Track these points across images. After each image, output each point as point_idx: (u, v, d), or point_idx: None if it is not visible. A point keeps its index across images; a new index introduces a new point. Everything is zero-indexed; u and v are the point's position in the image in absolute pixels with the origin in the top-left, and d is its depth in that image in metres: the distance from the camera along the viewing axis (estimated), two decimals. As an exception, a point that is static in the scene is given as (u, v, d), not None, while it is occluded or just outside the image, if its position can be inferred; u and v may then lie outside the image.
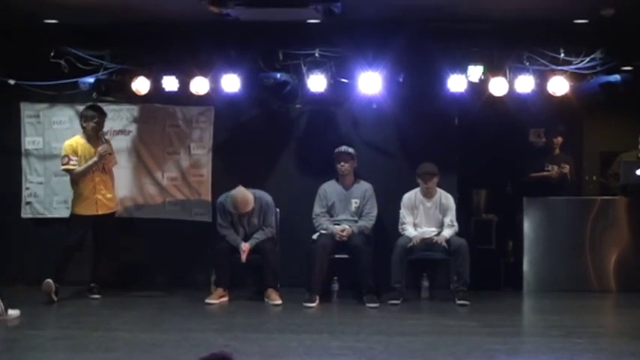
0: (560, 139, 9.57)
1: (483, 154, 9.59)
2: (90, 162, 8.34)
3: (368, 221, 8.60)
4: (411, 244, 8.36)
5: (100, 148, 8.35)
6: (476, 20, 8.01)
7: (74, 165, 8.34)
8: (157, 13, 7.86)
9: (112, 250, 8.80)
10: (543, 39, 8.35)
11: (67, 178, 8.58)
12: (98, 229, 8.54)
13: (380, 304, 8.16)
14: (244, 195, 8.29)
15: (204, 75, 8.55)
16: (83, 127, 8.49)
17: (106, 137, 8.75)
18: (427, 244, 8.53)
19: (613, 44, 8.27)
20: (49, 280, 8.07)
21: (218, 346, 5.92)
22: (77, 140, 8.45)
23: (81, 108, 8.97)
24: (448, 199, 8.65)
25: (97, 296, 8.48)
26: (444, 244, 8.36)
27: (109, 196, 8.57)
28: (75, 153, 8.35)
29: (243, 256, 8.27)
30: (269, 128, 9.29)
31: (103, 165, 8.46)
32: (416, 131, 9.01)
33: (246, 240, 8.38)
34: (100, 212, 8.47)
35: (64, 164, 8.38)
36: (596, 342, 6.56)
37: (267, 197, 8.53)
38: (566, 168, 9.39)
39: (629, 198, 9.16)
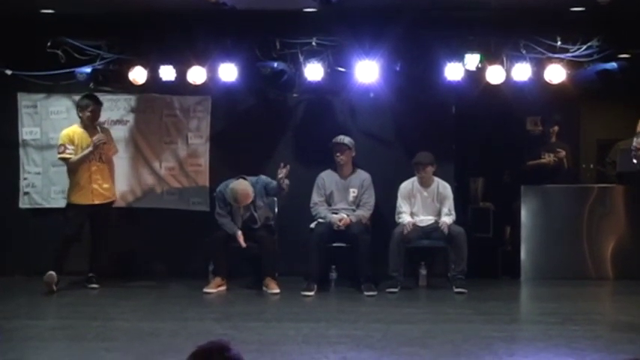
0: (556, 128, 9.56)
1: (481, 143, 9.60)
2: (85, 151, 8.33)
3: (366, 210, 8.62)
4: (406, 231, 8.36)
5: (94, 138, 8.32)
6: (473, 8, 8.00)
7: (70, 154, 8.35)
8: (153, 2, 7.85)
9: (109, 240, 8.76)
10: (540, 27, 8.34)
11: (65, 168, 8.59)
12: (95, 218, 8.53)
13: (378, 292, 8.18)
14: (245, 189, 8.26)
15: (202, 64, 8.53)
16: (80, 117, 8.49)
17: (104, 126, 8.76)
18: (425, 232, 8.56)
19: (610, 32, 8.26)
20: (52, 273, 8.06)
21: (216, 335, 5.95)
22: (74, 129, 8.45)
23: (78, 98, 8.98)
24: (446, 188, 8.65)
25: (95, 286, 8.47)
26: (446, 230, 8.37)
27: (105, 185, 8.55)
28: (71, 142, 8.36)
29: (242, 241, 8.27)
30: (266, 117, 9.29)
31: (100, 154, 8.46)
32: (413, 120, 9.02)
33: (243, 229, 8.39)
34: (96, 202, 8.46)
35: (60, 153, 8.39)
36: (593, 329, 6.58)
37: (263, 178, 8.52)
38: (562, 153, 9.37)
39: (626, 186, 9.18)
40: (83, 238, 8.51)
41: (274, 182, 8.38)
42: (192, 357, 2.48)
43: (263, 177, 8.52)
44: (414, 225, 8.46)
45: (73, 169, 8.40)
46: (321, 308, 7.72)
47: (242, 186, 8.26)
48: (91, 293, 8.31)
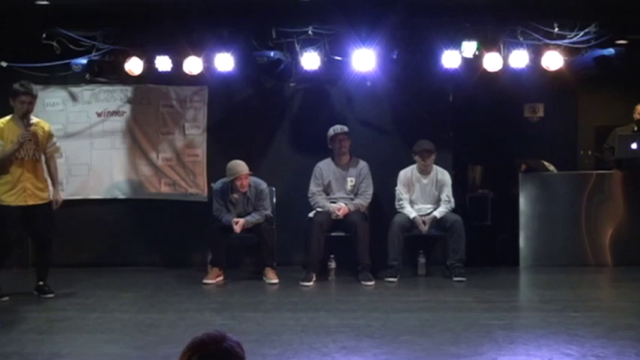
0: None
1: (478, 130, 9.58)
2: (8, 150, 7.38)
3: (364, 199, 8.61)
4: (424, 229, 8.44)
5: (19, 135, 7.36)
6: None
7: None
8: (148, -8, 7.82)
9: (46, 244, 7.78)
10: (537, 13, 8.32)
11: (62, 160, 8.56)
12: (33, 222, 7.57)
13: (376, 281, 8.18)
14: (238, 160, 8.33)
15: (198, 54, 8.51)
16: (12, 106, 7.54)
17: (37, 119, 7.75)
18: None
19: (607, 18, 8.23)
20: None
21: (215, 326, 5.95)
22: (6, 122, 7.49)
23: (75, 89, 8.98)
24: (444, 175, 8.66)
25: (50, 295, 7.66)
26: (423, 227, 8.42)
27: (40, 185, 7.60)
28: (0, 136, 7.44)
29: (237, 228, 8.24)
30: (263, 107, 9.28)
31: (34, 152, 7.52)
32: (410, 108, 9.02)
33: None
34: (30, 202, 7.49)
35: None
36: (592, 316, 6.59)
37: (262, 184, 8.51)
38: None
39: (624, 172, 9.17)
40: (87, 229, 8.35)
41: (263, 184, 8.50)
42: (188, 349, 2.47)
43: (254, 178, 8.50)
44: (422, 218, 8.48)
45: (1, 166, 7.44)
46: (321, 298, 7.71)
47: (235, 160, 8.33)
48: (89, 285, 8.26)
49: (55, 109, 9.19)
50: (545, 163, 9.38)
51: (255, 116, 9.22)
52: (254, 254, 8.66)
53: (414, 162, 8.65)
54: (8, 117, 7.52)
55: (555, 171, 9.39)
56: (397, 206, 8.60)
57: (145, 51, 8.58)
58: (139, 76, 8.73)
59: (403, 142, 8.98)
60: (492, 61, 8.35)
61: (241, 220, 8.28)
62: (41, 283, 7.75)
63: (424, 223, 8.44)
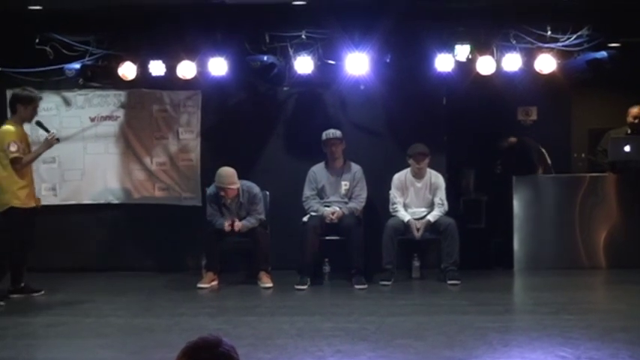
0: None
1: (472, 134, 9.59)
2: (38, 150, 7.77)
3: (358, 203, 8.61)
4: (417, 232, 8.42)
5: (49, 135, 7.73)
6: (462, -1, 8.00)
7: (23, 153, 7.63)
8: (142, -3, 7.82)
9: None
10: (530, 16, 8.34)
11: (55, 165, 8.56)
12: (32, 224, 7.84)
13: (370, 285, 8.18)
14: (229, 169, 8.30)
15: (191, 59, 8.51)
16: (16, 111, 7.74)
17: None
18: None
19: (599, 21, 8.26)
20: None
21: (210, 330, 5.94)
22: (14, 126, 7.66)
23: (68, 94, 8.97)
24: (438, 178, 8.66)
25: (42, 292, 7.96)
26: (417, 233, 8.41)
27: (34, 188, 7.96)
28: (20, 140, 7.63)
29: (236, 227, 8.23)
30: (257, 111, 9.27)
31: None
32: (404, 112, 9.01)
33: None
34: (34, 204, 7.80)
35: (14, 152, 7.49)
36: (586, 318, 6.59)
37: (255, 189, 8.51)
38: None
39: (617, 174, 9.19)
40: (74, 233, 8.37)
41: (256, 189, 8.47)
42: (182, 354, 2.46)
43: (247, 183, 8.49)
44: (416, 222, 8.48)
45: (22, 169, 7.60)
46: (315, 302, 7.72)
47: (225, 168, 8.31)
48: (84, 290, 8.25)
49: (49, 114, 9.14)
50: (543, 149, 9.41)
51: (249, 120, 9.21)
52: (248, 258, 8.65)
53: (407, 165, 8.66)
54: (10, 122, 7.72)
55: (548, 160, 9.43)
56: (391, 210, 8.60)
57: (138, 56, 8.58)
58: (133, 80, 8.74)
59: (397, 146, 8.98)
60: (485, 65, 8.37)
61: (239, 223, 8.27)
62: (22, 285, 7.88)
63: (418, 229, 8.44)
